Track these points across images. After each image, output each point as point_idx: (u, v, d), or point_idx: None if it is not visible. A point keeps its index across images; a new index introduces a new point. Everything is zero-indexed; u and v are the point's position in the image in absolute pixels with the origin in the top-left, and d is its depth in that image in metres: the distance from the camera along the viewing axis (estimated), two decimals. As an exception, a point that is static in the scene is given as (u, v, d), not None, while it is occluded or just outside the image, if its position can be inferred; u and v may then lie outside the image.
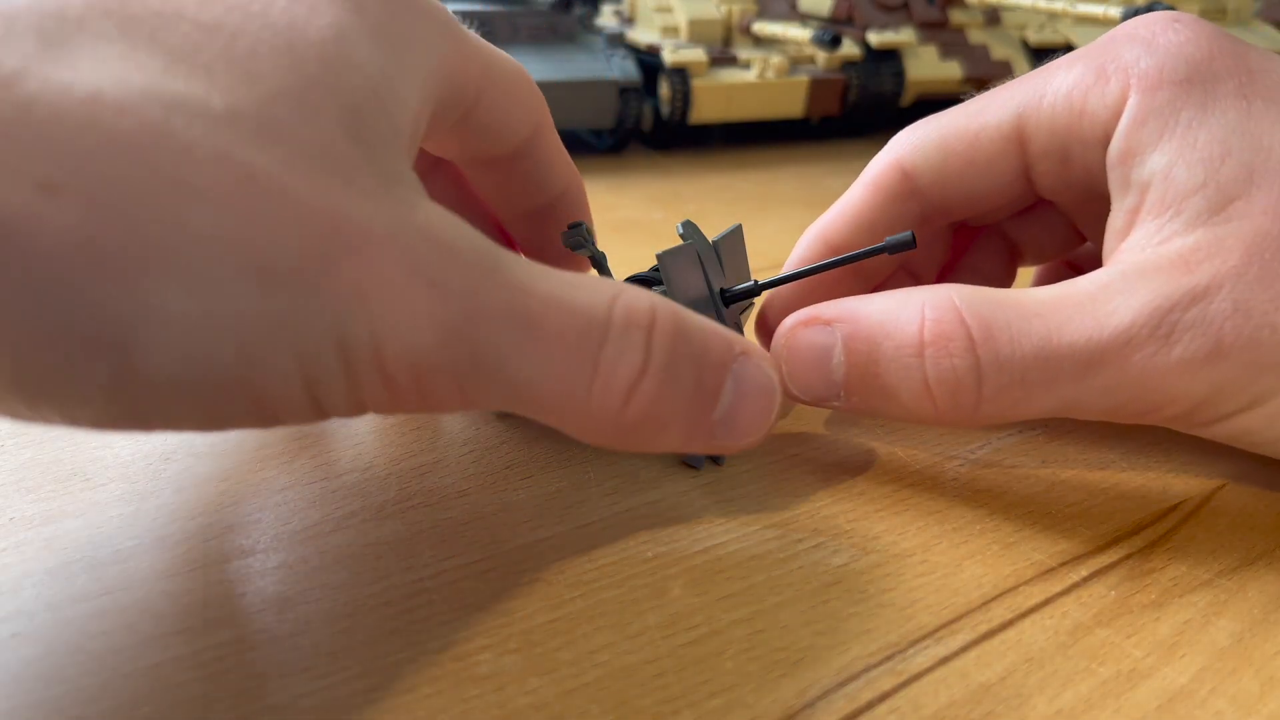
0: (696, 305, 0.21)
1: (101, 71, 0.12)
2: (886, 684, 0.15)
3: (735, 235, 0.24)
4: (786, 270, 0.25)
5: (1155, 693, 0.15)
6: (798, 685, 0.15)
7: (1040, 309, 0.18)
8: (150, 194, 0.11)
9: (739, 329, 0.23)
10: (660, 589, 0.17)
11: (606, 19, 0.67)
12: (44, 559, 0.17)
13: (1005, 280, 0.27)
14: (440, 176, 0.23)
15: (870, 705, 0.15)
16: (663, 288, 0.21)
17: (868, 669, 0.15)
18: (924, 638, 0.16)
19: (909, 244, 0.20)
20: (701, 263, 0.21)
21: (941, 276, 0.27)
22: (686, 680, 0.15)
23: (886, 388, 0.19)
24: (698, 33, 0.59)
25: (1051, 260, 0.27)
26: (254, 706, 0.14)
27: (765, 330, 0.24)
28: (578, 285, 0.15)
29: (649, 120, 0.58)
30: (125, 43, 0.12)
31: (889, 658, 0.16)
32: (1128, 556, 0.18)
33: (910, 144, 0.23)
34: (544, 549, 0.18)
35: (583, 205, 0.24)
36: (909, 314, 0.19)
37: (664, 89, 0.57)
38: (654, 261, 0.22)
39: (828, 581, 0.17)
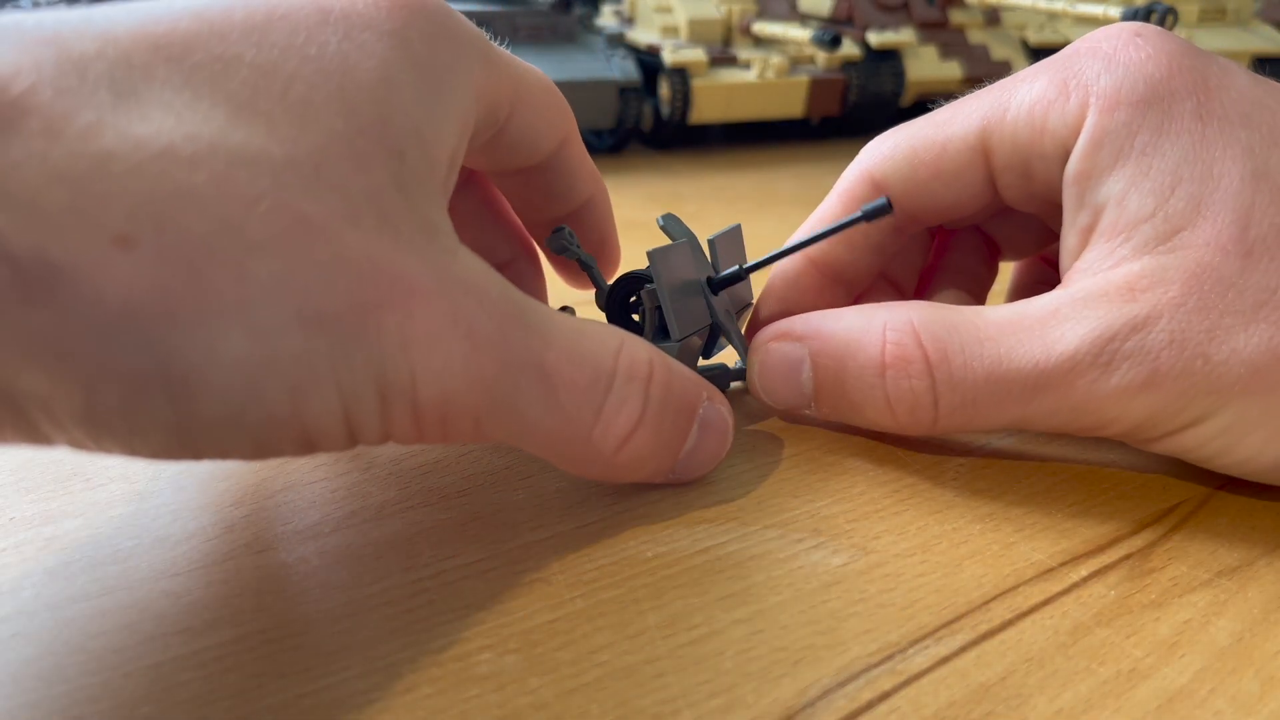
0: (687, 293, 0.21)
1: (171, 123, 0.13)
2: (886, 684, 0.15)
3: (734, 234, 0.24)
4: (770, 290, 0.25)
5: (1155, 693, 0.15)
6: (798, 685, 0.15)
7: (992, 332, 0.19)
8: (217, 246, 0.12)
9: (729, 313, 0.23)
10: (660, 589, 0.17)
11: (606, 19, 0.67)
12: (44, 559, 0.17)
13: (987, 277, 0.27)
14: (469, 187, 0.24)
15: (870, 705, 0.15)
16: (653, 285, 0.21)
17: (868, 669, 0.15)
18: (924, 638, 0.16)
19: (885, 209, 0.20)
20: (695, 261, 0.21)
21: (924, 278, 0.27)
22: (686, 680, 0.15)
23: (852, 402, 0.21)
24: (698, 33, 0.59)
25: (1030, 256, 0.28)
26: (254, 706, 0.14)
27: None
28: (586, 334, 0.17)
29: (649, 120, 0.58)
30: (190, 91, 0.13)
31: (889, 658, 0.16)
32: (1128, 556, 0.18)
33: (880, 155, 0.24)
34: (544, 549, 0.18)
35: (606, 212, 0.24)
36: (871, 336, 0.20)
37: (664, 89, 0.57)
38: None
39: (828, 581, 0.17)
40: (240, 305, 0.12)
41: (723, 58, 0.57)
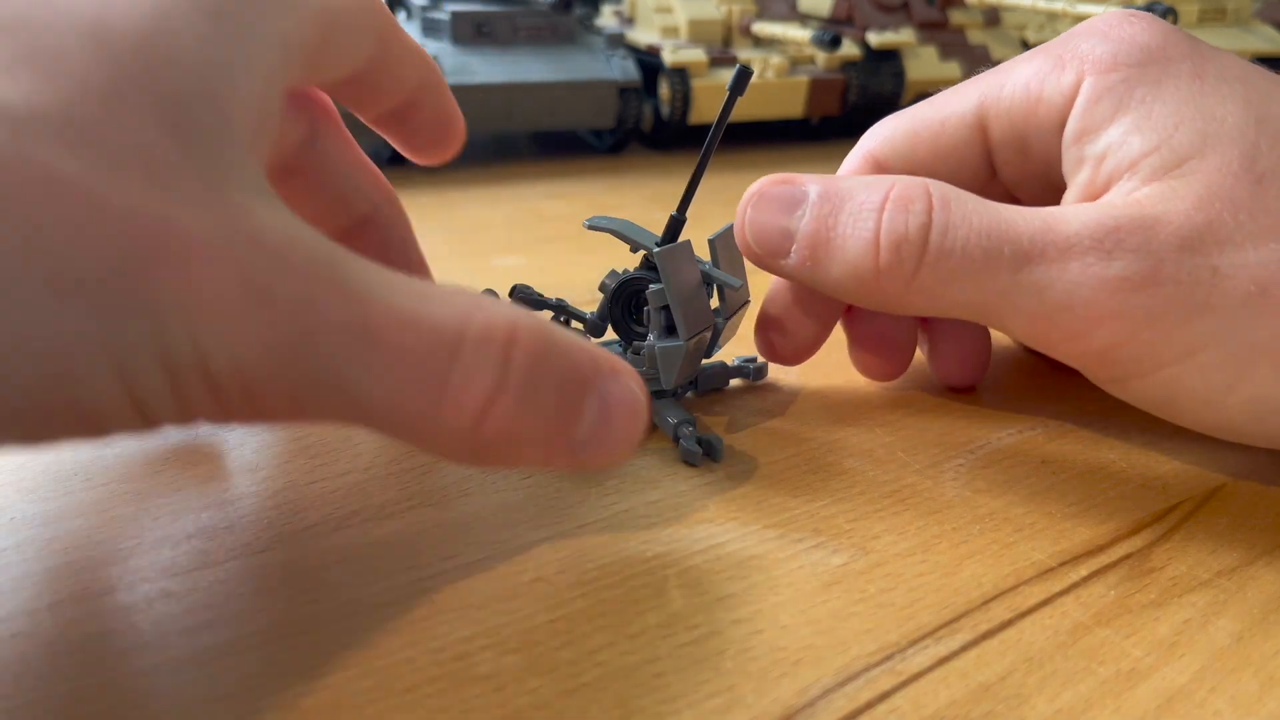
0: (693, 292, 0.21)
1: None
2: (886, 684, 0.15)
3: (730, 234, 0.24)
4: (771, 295, 0.25)
5: (1155, 692, 0.15)
6: (798, 685, 0.15)
7: (1001, 208, 0.19)
8: None
9: (725, 320, 0.23)
10: (660, 589, 0.17)
11: (606, 19, 0.67)
12: (44, 559, 0.17)
13: None
14: (318, 137, 0.22)
15: (870, 705, 0.15)
16: (659, 285, 0.21)
17: (868, 669, 0.15)
18: (924, 637, 0.16)
19: (746, 74, 0.21)
20: (699, 261, 0.22)
21: None
22: (686, 680, 0.15)
23: (838, 241, 0.20)
24: (698, 33, 0.59)
25: None
26: (254, 706, 0.14)
27: (767, 329, 0.25)
28: (429, 298, 0.14)
29: (649, 120, 0.58)
30: None
31: (889, 658, 0.16)
32: (1128, 556, 0.18)
33: (881, 136, 0.24)
34: (544, 549, 0.18)
35: (444, 88, 0.22)
36: (881, 183, 0.20)
37: (664, 89, 0.57)
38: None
39: (828, 581, 0.17)
40: None
41: (723, 58, 0.57)
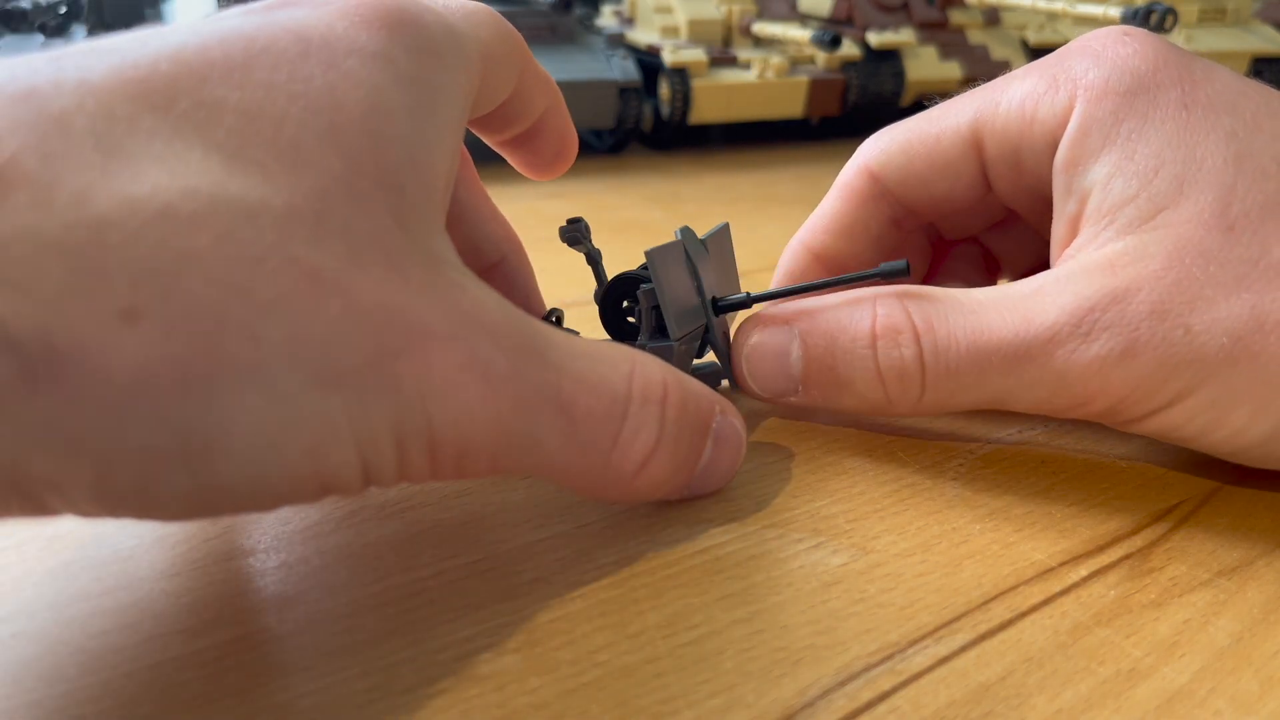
0: (684, 293, 0.21)
1: (165, 180, 0.12)
2: (886, 684, 0.15)
3: (723, 234, 0.24)
4: (776, 284, 0.26)
5: (1155, 692, 0.15)
6: (798, 685, 0.15)
7: (977, 308, 0.20)
8: (226, 312, 0.12)
9: (727, 336, 0.23)
10: (660, 589, 0.17)
11: (606, 19, 0.67)
12: (44, 559, 0.17)
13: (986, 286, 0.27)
14: (455, 188, 0.23)
15: (870, 705, 0.15)
16: (650, 285, 0.21)
17: (868, 669, 0.15)
18: (924, 637, 0.16)
19: (903, 272, 0.21)
20: (693, 265, 0.21)
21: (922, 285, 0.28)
22: (686, 680, 0.15)
23: (842, 378, 0.21)
24: (698, 33, 0.59)
25: (1028, 273, 0.28)
26: (254, 706, 0.14)
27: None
28: (599, 359, 0.16)
29: (649, 120, 0.58)
30: (180, 141, 0.12)
31: (889, 657, 0.16)
32: (1128, 556, 0.18)
33: (877, 149, 0.24)
34: (544, 549, 0.18)
35: (565, 112, 0.23)
36: (862, 311, 0.21)
37: (664, 89, 0.57)
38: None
39: (828, 581, 0.17)
40: (255, 370, 0.12)
41: (723, 58, 0.57)
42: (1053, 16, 0.61)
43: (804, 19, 0.64)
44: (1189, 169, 0.19)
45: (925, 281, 0.28)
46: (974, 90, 0.23)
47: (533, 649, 0.15)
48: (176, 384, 0.11)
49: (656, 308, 0.21)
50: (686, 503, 0.20)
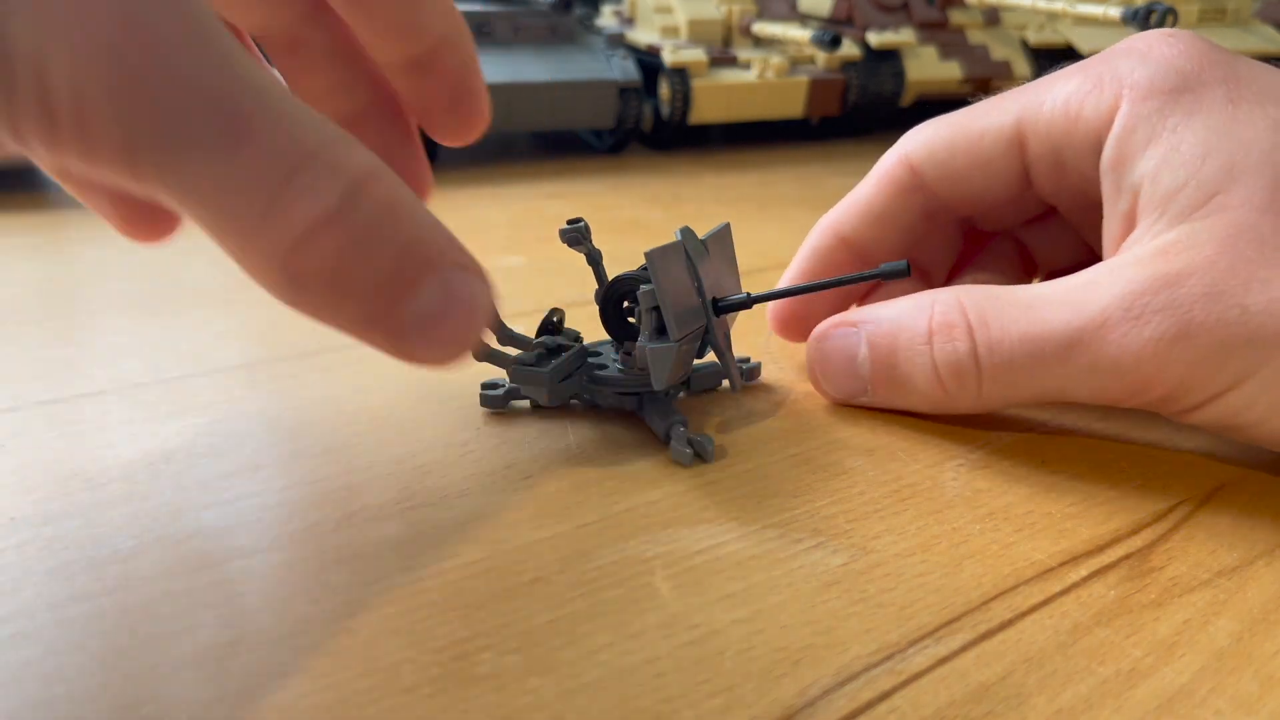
0: (684, 294, 0.21)
1: None
2: (886, 684, 0.15)
3: (724, 234, 0.24)
4: (799, 260, 0.26)
5: (1155, 692, 0.15)
6: (798, 685, 0.15)
7: (1031, 300, 0.20)
8: None
9: (728, 336, 0.23)
10: (660, 589, 0.17)
11: (606, 19, 0.67)
12: (44, 559, 0.17)
13: (1022, 281, 0.27)
14: (317, 21, 0.21)
15: (870, 705, 0.15)
16: (649, 285, 0.21)
17: (868, 669, 0.15)
18: (924, 637, 0.16)
19: (903, 272, 0.21)
20: (693, 266, 0.21)
21: (951, 276, 0.28)
22: (686, 680, 0.15)
23: (903, 377, 0.22)
24: (698, 33, 0.59)
25: (1065, 271, 0.28)
26: (254, 706, 0.14)
27: (794, 318, 0.27)
28: (301, 108, 0.13)
29: (649, 120, 0.58)
30: None
31: (889, 657, 0.16)
32: (1128, 556, 0.18)
33: (919, 141, 0.24)
34: (544, 549, 0.18)
35: (469, 52, 0.21)
36: (921, 311, 0.21)
37: (664, 89, 0.57)
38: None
39: (828, 581, 0.17)
40: None
41: (723, 58, 0.57)
42: (1053, 16, 0.61)
43: (804, 19, 0.64)
44: (1237, 156, 0.19)
45: (955, 274, 0.28)
46: (1019, 89, 0.23)
47: (533, 649, 0.15)
48: None
49: (656, 308, 0.21)
50: (686, 502, 0.20)
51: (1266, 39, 0.62)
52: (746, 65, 0.58)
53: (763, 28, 0.59)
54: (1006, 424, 0.24)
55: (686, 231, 0.22)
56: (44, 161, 0.13)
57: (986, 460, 0.22)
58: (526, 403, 0.24)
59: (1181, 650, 0.16)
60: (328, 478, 0.20)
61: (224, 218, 0.13)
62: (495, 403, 0.24)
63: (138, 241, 0.19)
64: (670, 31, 0.60)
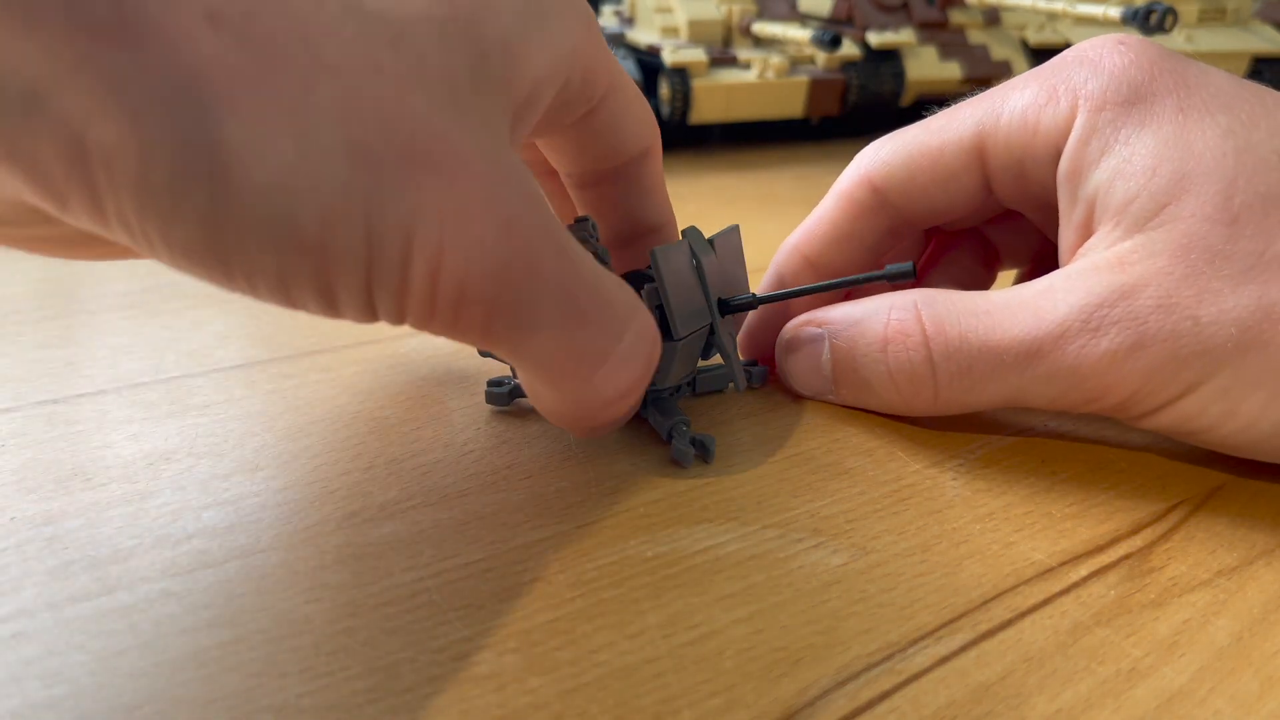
0: (689, 306, 0.21)
1: None
2: (886, 683, 0.15)
3: (732, 235, 0.24)
4: (766, 285, 0.26)
5: (1155, 692, 0.15)
6: (798, 685, 0.15)
7: (989, 308, 0.20)
8: (292, 53, 0.13)
9: (733, 337, 0.24)
10: (660, 589, 0.17)
11: (606, 19, 0.67)
12: (44, 559, 0.17)
13: (986, 279, 0.28)
14: (546, 186, 0.24)
15: (870, 705, 0.15)
16: (654, 284, 0.21)
17: (868, 668, 0.15)
18: (924, 637, 0.16)
19: (909, 274, 0.21)
20: (698, 266, 0.21)
21: (921, 276, 0.28)
22: (686, 680, 0.15)
23: (864, 380, 0.22)
24: (698, 33, 0.59)
25: (1028, 265, 0.28)
26: (254, 706, 0.14)
27: (752, 342, 0.27)
28: (610, 278, 0.17)
29: (649, 120, 0.58)
30: None
31: (889, 657, 0.16)
32: (1128, 556, 0.18)
33: (878, 160, 0.24)
34: (544, 549, 0.18)
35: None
36: (879, 315, 0.22)
37: (664, 89, 0.57)
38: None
39: (828, 581, 0.17)
40: (297, 114, 0.13)
41: (723, 58, 0.57)
42: (1053, 16, 0.60)
43: (804, 19, 0.64)
44: (1187, 164, 0.19)
45: (923, 273, 0.28)
46: (972, 100, 0.23)
47: (533, 649, 0.15)
48: (227, 93, 0.12)
49: (660, 307, 0.21)
50: (686, 503, 0.20)
51: (1266, 39, 0.62)
52: (746, 65, 0.58)
53: (763, 28, 0.59)
54: (1006, 424, 0.24)
55: (692, 231, 0.22)
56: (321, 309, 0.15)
57: (986, 460, 0.22)
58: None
59: (1181, 650, 0.16)
60: (328, 478, 0.20)
61: (553, 376, 0.17)
62: (500, 400, 0.23)
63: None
64: (670, 31, 0.60)
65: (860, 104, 0.61)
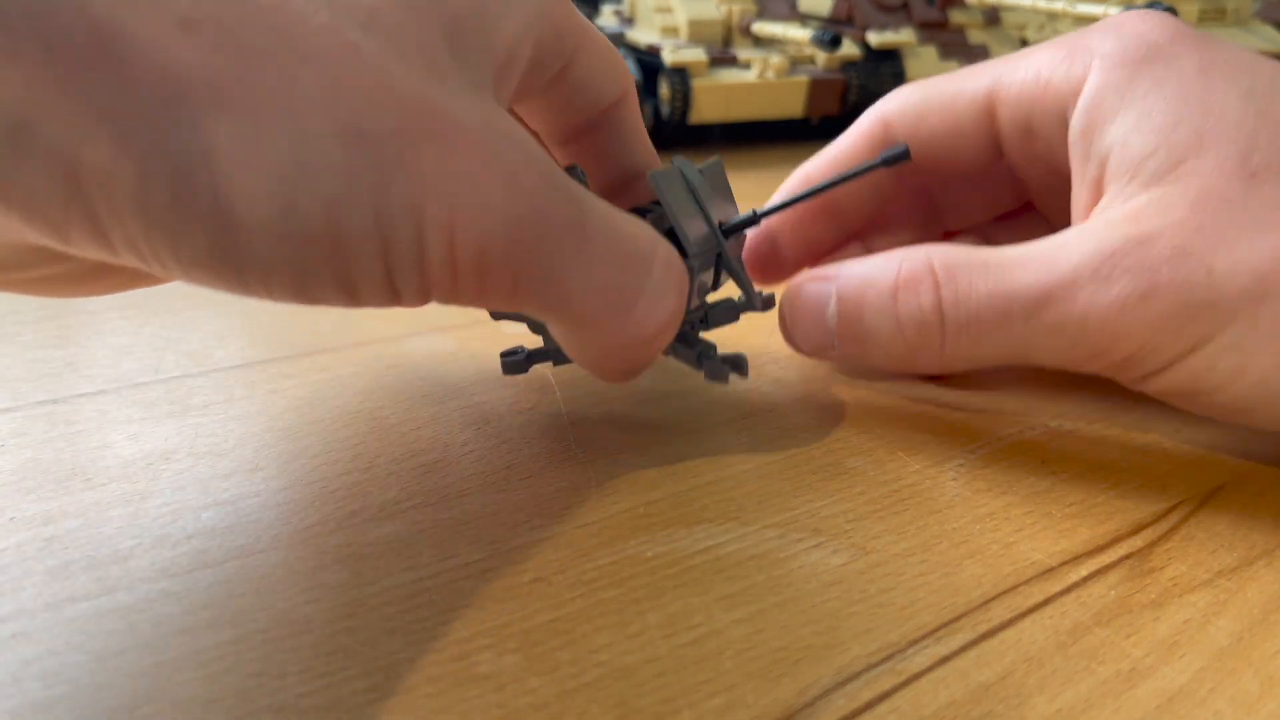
0: (695, 230, 0.21)
1: None
2: (886, 684, 0.15)
3: (716, 169, 0.23)
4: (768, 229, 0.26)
5: (1155, 692, 0.15)
6: (798, 685, 0.15)
7: (1002, 260, 0.20)
8: (269, 50, 0.13)
9: (741, 261, 0.24)
10: (660, 589, 0.17)
11: (606, 19, 0.67)
12: (43, 559, 0.17)
13: None
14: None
15: (870, 705, 0.15)
16: (656, 212, 0.21)
17: (868, 669, 0.15)
18: (924, 637, 0.16)
19: (904, 156, 0.21)
20: (694, 188, 0.21)
21: None
22: (686, 680, 0.15)
23: (869, 331, 0.22)
24: (698, 33, 0.59)
25: None
26: (254, 706, 0.14)
27: (761, 260, 0.27)
28: (625, 217, 0.17)
29: (649, 120, 0.58)
30: None
31: (889, 657, 0.16)
32: (1128, 556, 0.18)
33: (895, 101, 0.25)
34: (544, 549, 0.18)
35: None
36: (889, 266, 0.22)
37: (664, 89, 0.57)
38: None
39: (828, 582, 0.17)
40: (284, 108, 0.13)
41: (723, 58, 0.57)
42: (1053, 16, 0.60)
43: (804, 19, 0.64)
44: (1208, 122, 0.19)
45: None
46: (995, 59, 0.24)
47: (533, 649, 0.15)
48: (212, 99, 0.12)
49: (670, 230, 0.21)
50: (686, 503, 0.20)
51: (1266, 39, 0.62)
52: (746, 65, 0.58)
53: (763, 28, 0.59)
54: (1006, 424, 0.24)
55: (680, 159, 0.22)
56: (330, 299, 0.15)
57: (986, 460, 0.22)
58: (549, 364, 0.24)
59: (1181, 650, 0.16)
60: (327, 478, 0.20)
61: (590, 318, 0.16)
62: (517, 368, 0.23)
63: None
64: (670, 31, 0.60)
65: (860, 104, 0.61)
